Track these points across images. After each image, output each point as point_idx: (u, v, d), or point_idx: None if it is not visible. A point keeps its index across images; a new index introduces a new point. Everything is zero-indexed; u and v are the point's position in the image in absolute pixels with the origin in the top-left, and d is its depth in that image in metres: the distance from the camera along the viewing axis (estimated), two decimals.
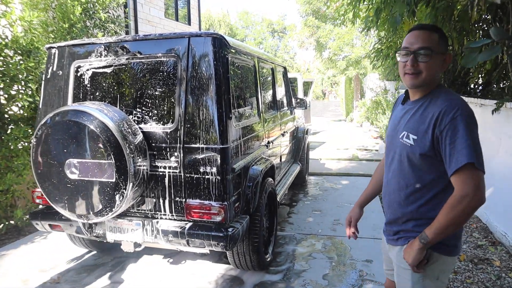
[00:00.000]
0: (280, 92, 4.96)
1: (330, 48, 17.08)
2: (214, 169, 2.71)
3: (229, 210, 2.75)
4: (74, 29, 5.37)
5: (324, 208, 5.32)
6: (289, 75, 9.67)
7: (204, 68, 2.76)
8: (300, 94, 9.46)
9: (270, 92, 4.43)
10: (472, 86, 6.74)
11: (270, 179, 3.59)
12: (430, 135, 1.55)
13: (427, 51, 1.57)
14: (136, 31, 9.88)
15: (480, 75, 6.28)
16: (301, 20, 19.22)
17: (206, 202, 2.75)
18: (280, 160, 4.66)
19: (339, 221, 4.81)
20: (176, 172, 2.80)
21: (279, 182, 4.62)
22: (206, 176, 2.74)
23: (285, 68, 5.34)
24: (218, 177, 2.71)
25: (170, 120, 2.83)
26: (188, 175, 2.78)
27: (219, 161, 2.70)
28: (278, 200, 4.05)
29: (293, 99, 5.66)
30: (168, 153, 2.81)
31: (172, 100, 2.83)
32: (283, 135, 4.71)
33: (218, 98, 2.73)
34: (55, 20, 5.40)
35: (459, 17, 4.01)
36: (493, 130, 4.93)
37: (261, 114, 3.74)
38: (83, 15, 5.56)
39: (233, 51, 3.06)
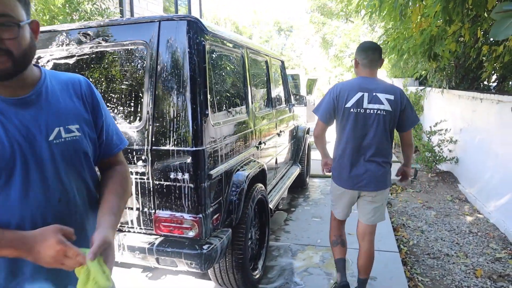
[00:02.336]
0: (276, 87, 4.54)
1: (336, 45, 16.62)
2: (187, 176, 2.30)
3: (205, 223, 2.34)
4: (55, 21, 5.00)
5: (325, 214, 4.88)
6: (291, 72, 9.26)
7: (176, 57, 2.35)
8: (303, 92, 9.03)
9: (263, 87, 4.01)
10: (486, 81, 6.26)
11: (260, 185, 3.18)
12: None
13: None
14: None
15: (495, 69, 5.79)
16: (308, 17, 18.79)
17: (178, 214, 2.34)
18: (276, 162, 4.25)
19: None
20: (144, 179, 2.40)
21: (274, 186, 4.21)
22: (178, 184, 2.33)
23: (282, 62, 4.92)
24: (191, 185, 2.30)
25: (137, 118, 2.42)
26: (157, 183, 2.38)
27: (192, 166, 2.29)
28: (271, 207, 3.64)
29: (292, 96, 5.23)
30: (135, 157, 2.40)
31: (140, 94, 2.42)
32: (279, 134, 4.29)
33: (192, 92, 2.32)
34: (36, 12, 5.04)
35: (473, 2, 3.57)
36: None
37: (251, 112, 3.32)
38: (66, 7, 5.19)
39: (213, 38, 2.64)
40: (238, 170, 2.82)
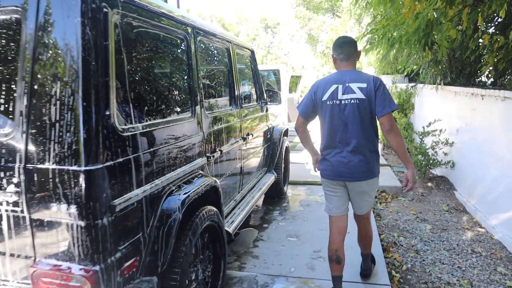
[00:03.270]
0: (242, 82, 3.78)
1: (322, 41, 15.91)
2: (74, 209, 1.52)
3: (106, 278, 1.57)
4: None
5: (303, 232, 4.14)
6: (271, 67, 8.49)
7: (63, 31, 1.57)
8: (285, 89, 8.22)
9: (221, 80, 3.25)
10: (484, 76, 5.56)
11: (209, 208, 2.41)
12: None
13: None
14: None
15: (496, 62, 5.09)
16: (294, 12, 18.07)
17: (65, 265, 1.57)
18: (241, 172, 3.50)
19: (320, 253, 3.64)
20: (17, 211, 1.61)
21: (238, 203, 3.45)
22: (63, 220, 1.55)
23: (252, 52, 4.14)
24: (81, 223, 1.52)
25: (7, 121, 1.64)
26: (35, 217, 1.59)
27: (81, 195, 1.51)
28: (230, 231, 2.88)
29: (265, 93, 4.46)
30: (4, 179, 1.62)
31: (12, 86, 1.64)
32: (245, 138, 3.53)
33: (84, 83, 1.54)
34: None
35: None
36: None
37: (200, 112, 2.55)
38: None
39: (128, 7, 1.86)
40: (171, 192, 2.04)
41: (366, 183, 2.67)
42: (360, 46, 4.24)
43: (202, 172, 2.48)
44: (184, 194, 2.04)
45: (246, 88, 3.90)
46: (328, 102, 2.60)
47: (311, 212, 4.74)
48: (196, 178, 2.33)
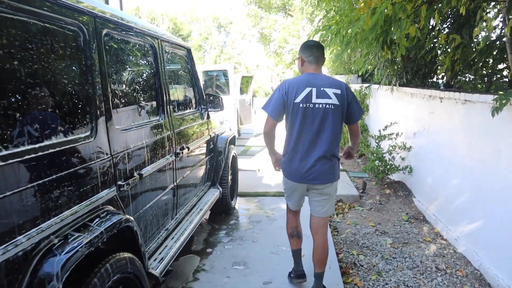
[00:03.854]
0: (174, 86, 3.18)
1: (274, 40, 15.52)
2: None
3: None
4: None
5: (252, 257, 3.61)
6: (218, 67, 7.91)
7: None
8: (234, 91, 7.65)
9: (143, 85, 2.63)
10: (437, 77, 5.30)
11: (120, 256, 1.80)
12: None
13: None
14: None
15: (452, 63, 4.82)
16: (245, 10, 17.54)
17: None
18: (174, 195, 2.90)
19: (270, 285, 3.13)
20: None
21: (171, 233, 2.86)
22: None
23: (188, 50, 3.55)
24: None
25: None
26: None
27: None
28: (157, 274, 2.29)
29: (204, 97, 3.87)
30: None
31: None
32: (178, 154, 2.94)
33: None
34: None
35: None
36: (488, 137, 3.44)
37: (103, 127, 1.93)
38: None
39: None
40: (50, 249, 1.42)
41: (331, 185, 2.80)
42: None
43: (109, 208, 1.87)
44: (68, 251, 1.42)
45: (180, 93, 3.30)
46: (301, 105, 2.59)
47: (262, 231, 4.22)
48: (97, 219, 1.72)
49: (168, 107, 2.83)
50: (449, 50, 4.62)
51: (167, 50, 3.00)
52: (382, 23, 3.30)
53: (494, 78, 5.02)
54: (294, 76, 18.32)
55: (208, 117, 3.95)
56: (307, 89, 2.58)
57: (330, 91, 2.59)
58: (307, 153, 2.67)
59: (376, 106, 7.66)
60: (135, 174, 2.19)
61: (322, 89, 2.59)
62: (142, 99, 2.52)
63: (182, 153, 3.01)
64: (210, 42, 41.50)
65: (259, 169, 7.06)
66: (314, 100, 2.58)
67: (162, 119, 2.72)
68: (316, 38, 4.97)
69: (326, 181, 2.73)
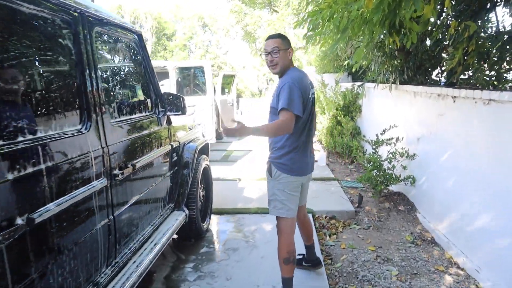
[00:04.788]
0: (113, 83, 2.34)
1: (259, 37, 14.69)
2: None
3: None
4: None
5: None
6: (192, 63, 7.04)
7: None
8: (211, 90, 6.78)
9: (50, 79, 1.77)
10: (456, 73, 4.54)
11: None
12: (276, 96, 2.54)
13: (276, 49, 2.56)
14: None
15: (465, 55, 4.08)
16: (229, 7, 16.68)
17: None
18: (110, 234, 2.07)
19: None
20: None
21: (111, 280, 2.03)
22: None
23: (138, 36, 2.70)
24: None
25: None
26: None
27: None
28: None
29: (165, 98, 3.02)
30: None
31: None
32: (115, 176, 2.11)
33: None
34: None
35: None
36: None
37: None
38: None
39: None
40: None
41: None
42: (295, 40, 3.07)
43: None
44: None
45: (123, 92, 2.47)
46: (310, 99, 2.66)
47: (239, 264, 3.40)
48: None
49: (98, 111, 2.00)
50: (461, 40, 3.86)
51: (100, 32, 2.16)
52: (390, 0, 2.51)
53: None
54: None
55: (169, 122, 3.12)
56: (307, 83, 2.65)
57: (309, 82, 2.72)
58: (308, 145, 2.77)
59: (370, 107, 6.91)
60: (18, 220, 1.36)
61: (309, 81, 2.72)
62: (48, 100, 1.68)
63: (124, 173, 2.18)
64: (195, 41, 40.49)
65: (240, 178, 6.24)
66: (310, 93, 2.67)
67: (86, 129, 1.88)
68: (303, 30, 4.19)
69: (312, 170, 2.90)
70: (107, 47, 2.33)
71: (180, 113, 2.90)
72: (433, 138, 4.21)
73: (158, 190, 2.85)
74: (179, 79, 6.72)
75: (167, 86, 6.61)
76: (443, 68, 4.65)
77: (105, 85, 2.19)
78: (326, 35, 4.47)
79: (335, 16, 3.20)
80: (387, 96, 5.53)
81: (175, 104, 2.88)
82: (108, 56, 2.36)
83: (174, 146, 3.19)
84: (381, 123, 5.85)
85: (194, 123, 4.36)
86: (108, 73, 2.29)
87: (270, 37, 2.65)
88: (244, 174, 6.51)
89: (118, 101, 2.31)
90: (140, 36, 2.70)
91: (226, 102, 9.63)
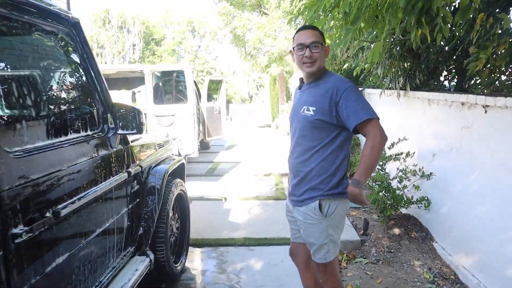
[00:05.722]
0: (24, 93, 1.57)
1: (248, 41, 13.98)
2: None
3: None
4: None
5: None
6: (171, 67, 6.28)
7: None
8: (192, 97, 5.95)
9: None
10: (481, 77, 3.86)
11: None
12: (327, 104, 2.01)
13: (317, 44, 2.06)
14: None
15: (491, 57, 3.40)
16: (217, 9, 15.96)
17: None
18: None
19: None
20: None
21: None
22: None
23: (74, 25, 1.92)
24: None
25: None
26: None
27: None
28: None
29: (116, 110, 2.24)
30: None
31: None
32: (15, 238, 1.34)
33: None
34: None
35: None
36: None
37: None
38: None
39: None
40: None
41: None
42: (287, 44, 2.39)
43: None
44: None
45: (43, 105, 1.70)
46: None
47: None
48: None
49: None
50: (490, 38, 3.18)
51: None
52: None
53: None
54: (271, 87, 16.69)
55: (126, 142, 2.36)
56: None
57: None
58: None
59: None
60: None
61: None
62: None
63: (34, 230, 1.41)
64: (184, 46, 39.70)
65: (226, 197, 5.48)
66: None
67: None
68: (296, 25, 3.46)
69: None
70: (15, 40, 1.57)
71: (134, 131, 2.14)
72: (455, 155, 3.51)
73: (105, 236, 2.08)
74: (158, 85, 5.97)
75: (144, 93, 5.85)
76: (469, 71, 3.94)
77: (8, 96, 1.44)
78: (327, 32, 3.77)
79: (341, 2, 2.47)
80: (394, 104, 4.83)
81: (128, 120, 2.12)
82: (18, 53, 1.60)
83: (134, 172, 2.43)
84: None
85: (168, 138, 3.61)
86: (18, 79, 1.53)
87: (305, 28, 2.16)
88: (230, 191, 5.76)
89: (29, 119, 1.54)
90: (77, 25, 1.93)
91: (213, 109, 8.88)
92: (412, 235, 4.13)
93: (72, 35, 1.91)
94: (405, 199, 4.07)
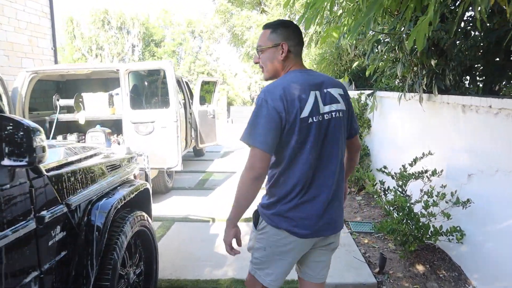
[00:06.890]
0: None
1: (247, 39, 13.16)
2: None
3: None
4: None
5: None
6: (149, 66, 5.47)
7: None
8: (175, 101, 5.10)
9: None
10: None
11: None
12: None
13: (261, 47, 1.72)
14: None
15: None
16: (214, 7, 15.19)
17: None
18: None
19: None
20: None
21: None
22: None
23: None
24: None
25: None
26: None
27: None
28: None
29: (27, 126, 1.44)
30: None
31: None
32: None
33: None
34: None
35: None
36: None
37: None
38: None
39: None
40: None
41: (339, 233, 1.88)
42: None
43: None
44: None
45: None
46: (310, 120, 1.62)
47: None
48: None
49: None
50: None
51: None
52: None
53: None
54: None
55: (38, 171, 1.56)
56: (312, 95, 1.64)
57: (335, 92, 1.71)
58: (321, 191, 1.70)
59: (384, 122, 5.37)
60: None
61: (326, 90, 1.69)
62: None
63: None
64: (184, 47, 38.94)
65: (214, 218, 4.66)
66: (322, 109, 1.65)
67: None
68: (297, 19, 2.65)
69: (341, 227, 1.83)
70: None
71: (23, 163, 1.33)
72: (503, 179, 2.70)
73: None
74: (137, 86, 5.17)
75: (120, 96, 5.05)
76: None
77: None
78: (333, 22, 2.99)
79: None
80: (414, 110, 4.01)
81: (14, 143, 1.32)
82: None
83: (52, 216, 1.63)
84: (402, 146, 4.35)
85: (131, 154, 2.81)
86: None
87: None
88: (220, 209, 4.95)
89: None
90: None
91: (206, 113, 8.08)
92: (440, 275, 3.31)
93: None
94: (432, 229, 3.25)
